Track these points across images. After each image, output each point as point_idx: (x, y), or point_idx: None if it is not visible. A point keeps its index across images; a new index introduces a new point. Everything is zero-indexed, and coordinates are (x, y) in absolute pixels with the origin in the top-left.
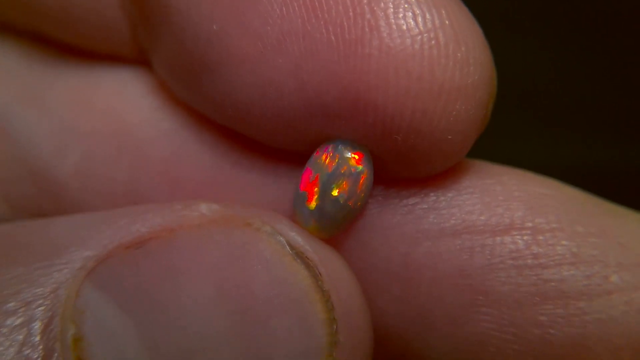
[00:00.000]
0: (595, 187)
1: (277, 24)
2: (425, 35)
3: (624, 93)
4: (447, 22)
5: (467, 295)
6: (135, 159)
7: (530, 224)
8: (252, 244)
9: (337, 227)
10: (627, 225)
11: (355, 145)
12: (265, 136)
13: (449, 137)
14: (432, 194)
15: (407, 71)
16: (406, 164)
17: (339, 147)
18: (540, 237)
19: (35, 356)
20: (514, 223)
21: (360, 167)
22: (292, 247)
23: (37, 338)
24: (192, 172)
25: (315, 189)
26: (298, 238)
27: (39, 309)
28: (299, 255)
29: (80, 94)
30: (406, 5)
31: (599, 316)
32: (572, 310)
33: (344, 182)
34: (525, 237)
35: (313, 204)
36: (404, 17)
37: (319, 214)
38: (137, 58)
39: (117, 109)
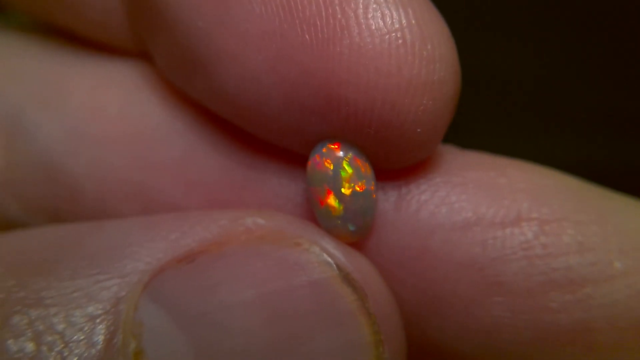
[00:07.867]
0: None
1: (257, 23)
2: (392, 34)
3: (624, 92)
4: (413, 21)
5: (480, 285)
6: (148, 161)
7: (536, 215)
8: (302, 265)
9: (369, 221)
10: (625, 211)
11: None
12: (258, 130)
13: (418, 129)
14: (442, 190)
15: (375, 68)
16: (382, 155)
17: (322, 149)
18: (547, 228)
19: None
20: (522, 215)
21: (349, 153)
22: (340, 269)
23: (102, 353)
24: (206, 173)
25: (331, 196)
26: (343, 258)
27: (102, 323)
28: (347, 277)
29: (90, 96)
30: (375, 6)
31: (604, 300)
32: (579, 296)
33: (350, 173)
34: (533, 228)
35: (340, 211)
36: (373, 17)
37: (351, 215)
38: (139, 48)
39: (127, 113)
